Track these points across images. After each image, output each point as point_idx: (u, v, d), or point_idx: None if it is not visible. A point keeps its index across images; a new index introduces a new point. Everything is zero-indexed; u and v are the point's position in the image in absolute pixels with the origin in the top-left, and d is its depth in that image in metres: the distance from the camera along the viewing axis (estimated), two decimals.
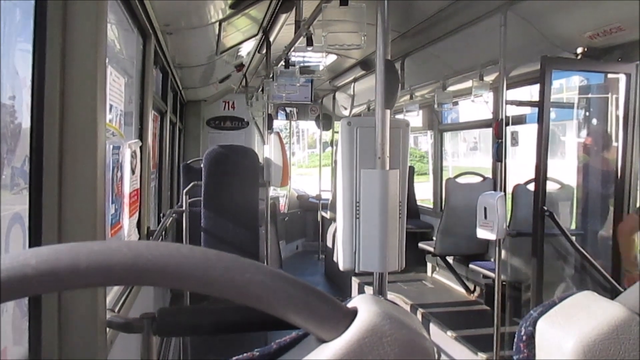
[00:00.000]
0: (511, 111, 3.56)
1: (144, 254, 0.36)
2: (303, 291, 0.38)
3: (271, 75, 4.68)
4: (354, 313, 0.39)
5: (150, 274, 0.36)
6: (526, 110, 4.22)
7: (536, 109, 3.17)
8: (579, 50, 3.19)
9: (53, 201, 1.25)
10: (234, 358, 0.43)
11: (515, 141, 3.65)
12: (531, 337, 0.46)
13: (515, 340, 0.46)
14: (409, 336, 0.38)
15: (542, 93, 3.06)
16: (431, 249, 5.12)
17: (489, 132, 4.12)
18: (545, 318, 0.46)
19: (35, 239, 1.24)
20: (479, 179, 5.11)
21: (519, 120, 4.10)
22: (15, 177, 1.20)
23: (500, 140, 3.33)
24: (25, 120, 1.24)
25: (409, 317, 0.40)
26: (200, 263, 0.36)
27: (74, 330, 1.29)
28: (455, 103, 5.06)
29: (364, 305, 0.40)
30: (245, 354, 0.43)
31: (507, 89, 3.33)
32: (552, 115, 3.20)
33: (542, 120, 3.05)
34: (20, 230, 1.22)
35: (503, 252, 3.31)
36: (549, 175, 3.21)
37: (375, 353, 0.37)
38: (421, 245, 5.39)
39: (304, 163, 23.52)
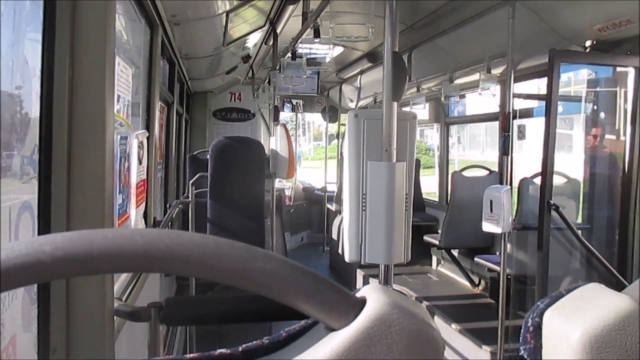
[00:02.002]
0: (518, 104, 3.55)
1: (156, 242, 0.36)
2: (313, 280, 0.38)
3: (278, 67, 4.68)
4: (363, 302, 0.39)
5: (163, 261, 0.36)
6: (534, 104, 4.20)
7: (544, 103, 3.15)
8: (588, 43, 3.17)
9: (62, 190, 1.26)
10: (244, 346, 0.43)
11: (522, 135, 3.64)
12: (538, 328, 0.46)
13: (522, 331, 0.47)
14: (417, 326, 0.39)
15: (550, 86, 3.04)
16: (436, 242, 5.12)
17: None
18: (553, 309, 0.46)
19: (44, 228, 1.25)
20: (485, 172, 5.10)
21: (527, 113, 4.09)
22: (24, 166, 1.21)
23: (507, 134, 3.32)
24: (34, 109, 1.24)
25: (417, 307, 0.41)
26: (212, 251, 0.37)
27: (82, 318, 1.30)
28: (462, 96, 5.04)
29: (372, 295, 0.40)
30: (254, 342, 0.43)
31: (515, 82, 3.31)
32: (560, 108, 3.18)
33: (549, 113, 3.04)
34: (30, 218, 1.23)
35: (508, 246, 3.31)
36: (555, 168, 3.20)
37: (384, 342, 0.38)
38: (426, 238, 5.39)
39: (309, 155, 23.49)
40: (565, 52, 3.16)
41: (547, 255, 3.12)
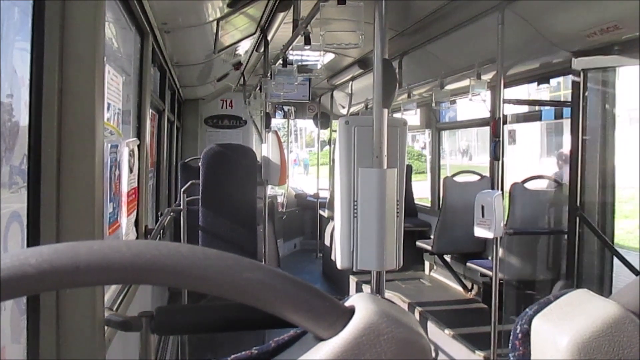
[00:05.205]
0: (509, 110, 3.58)
1: (143, 253, 0.36)
2: (301, 290, 0.38)
3: (269, 74, 4.68)
4: (351, 311, 0.39)
5: (150, 273, 0.36)
6: (523, 109, 4.23)
7: (534, 108, 3.18)
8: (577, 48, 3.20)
9: (51, 200, 1.25)
10: (233, 356, 0.43)
11: (512, 140, 3.66)
12: (527, 334, 0.46)
13: (511, 337, 0.47)
14: (406, 334, 0.39)
15: (576, 93, 3.02)
16: (429, 248, 5.13)
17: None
18: (541, 316, 0.46)
19: (33, 238, 1.24)
20: (477, 177, 5.13)
21: (516, 119, 4.12)
22: (13, 176, 1.20)
23: (497, 139, 3.34)
24: (23, 118, 1.24)
25: (406, 316, 0.41)
26: (199, 262, 0.37)
27: (72, 328, 1.29)
28: (453, 102, 5.06)
29: (361, 304, 0.40)
30: (243, 352, 0.43)
31: (505, 87, 3.33)
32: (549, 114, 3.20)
33: (578, 119, 3.03)
34: (19, 228, 1.22)
35: (500, 251, 3.32)
36: (542, 173, 3.21)
37: (373, 351, 0.38)
38: (419, 243, 5.40)
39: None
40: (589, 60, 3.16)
41: (580, 260, 3.08)
